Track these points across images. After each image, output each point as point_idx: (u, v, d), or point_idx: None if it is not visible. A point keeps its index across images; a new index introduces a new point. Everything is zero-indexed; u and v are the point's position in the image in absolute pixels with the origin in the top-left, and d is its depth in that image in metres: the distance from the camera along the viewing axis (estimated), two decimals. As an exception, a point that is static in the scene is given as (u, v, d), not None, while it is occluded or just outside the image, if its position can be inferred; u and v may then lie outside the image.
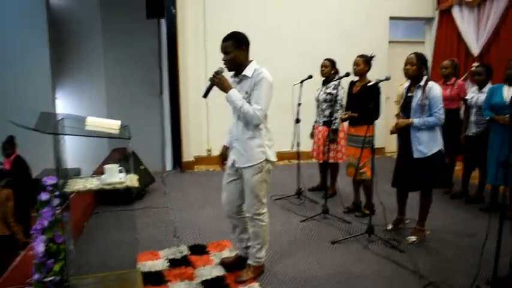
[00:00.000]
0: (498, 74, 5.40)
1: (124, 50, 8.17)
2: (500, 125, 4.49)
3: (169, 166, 6.95)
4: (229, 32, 3.04)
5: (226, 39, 2.96)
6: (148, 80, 8.24)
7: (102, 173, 2.69)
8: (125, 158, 4.89)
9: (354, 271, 3.40)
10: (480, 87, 4.97)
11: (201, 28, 6.88)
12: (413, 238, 3.99)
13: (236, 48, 2.93)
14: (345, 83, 4.77)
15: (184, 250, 3.75)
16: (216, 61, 6.55)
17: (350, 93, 4.65)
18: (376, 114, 4.20)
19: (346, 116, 4.55)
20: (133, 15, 7.74)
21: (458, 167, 5.99)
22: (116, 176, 2.64)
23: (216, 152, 7.18)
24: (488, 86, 4.92)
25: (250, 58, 3.06)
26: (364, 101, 4.24)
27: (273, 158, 3.08)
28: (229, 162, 3.20)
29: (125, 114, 5.55)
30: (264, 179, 3.05)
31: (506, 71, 4.52)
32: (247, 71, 2.97)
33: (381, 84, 4.07)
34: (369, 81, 4.20)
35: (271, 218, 4.42)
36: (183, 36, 6.56)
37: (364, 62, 4.48)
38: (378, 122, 4.18)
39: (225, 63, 2.99)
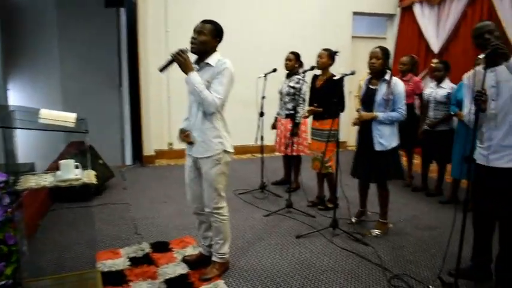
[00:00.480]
0: (457, 71, 5.52)
1: (81, 40, 7.81)
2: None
3: (129, 160, 6.73)
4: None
5: (206, 22, 2.90)
6: (107, 72, 7.94)
7: (58, 169, 2.53)
8: (81, 152, 4.66)
9: (319, 265, 3.38)
10: (438, 83, 5.08)
11: (162, 18, 6.69)
12: (377, 231, 4.03)
13: (211, 35, 2.87)
14: (308, 77, 4.73)
15: (146, 248, 3.62)
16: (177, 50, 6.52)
17: (313, 87, 4.64)
18: (341, 108, 4.20)
19: (309, 111, 4.51)
20: (90, 3, 7.42)
21: (417, 160, 6.13)
22: (71, 172, 2.49)
23: (177, 146, 7.03)
24: (446, 81, 5.04)
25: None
26: (327, 95, 4.23)
27: (231, 149, 3.02)
28: (187, 153, 3.10)
29: (82, 106, 5.27)
30: (222, 171, 2.98)
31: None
32: (211, 60, 2.89)
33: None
34: (333, 75, 4.19)
35: (235, 213, 4.40)
36: (144, 27, 6.35)
37: (328, 56, 4.48)
38: (341, 116, 4.18)
39: (192, 43, 2.87)
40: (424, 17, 7.54)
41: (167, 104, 6.90)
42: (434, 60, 7.01)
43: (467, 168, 2.72)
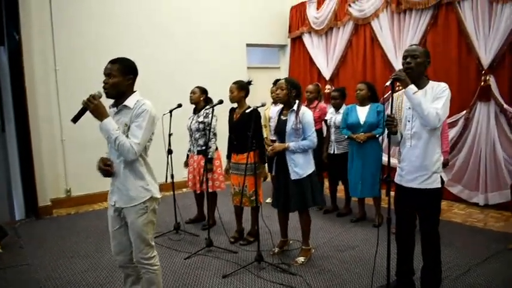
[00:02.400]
0: (347, 96, 5.91)
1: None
2: (357, 143, 4.91)
3: (21, 214, 6.00)
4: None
5: (113, 62, 2.67)
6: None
7: None
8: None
9: (252, 304, 3.28)
10: (337, 109, 5.39)
11: (50, 56, 6.19)
12: (301, 259, 4.04)
13: (121, 74, 2.65)
14: (223, 110, 4.66)
15: (59, 313, 3.21)
16: (68, 90, 6.09)
17: (231, 120, 4.58)
18: (257, 140, 4.19)
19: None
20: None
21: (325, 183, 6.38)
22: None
23: (76, 192, 6.50)
24: (344, 107, 5.37)
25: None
26: (244, 128, 4.22)
27: (158, 195, 2.82)
28: (110, 204, 2.83)
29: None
30: (150, 219, 2.76)
31: (356, 93, 4.96)
32: (129, 102, 2.69)
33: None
34: (248, 107, 4.20)
35: (154, 260, 4.12)
36: (30, 65, 5.79)
37: (238, 89, 4.46)
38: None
39: (104, 87, 2.66)
40: (313, 46, 8.01)
41: (61, 147, 6.35)
42: (328, 87, 7.48)
43: (387, 189, 2.84)
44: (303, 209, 4.03)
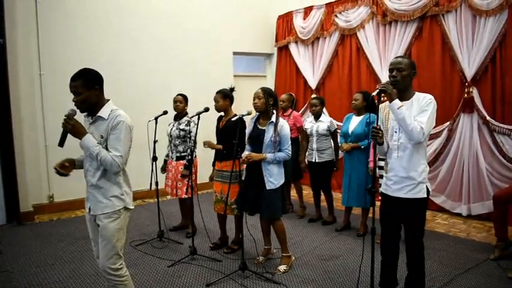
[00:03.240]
0: (334, 104, 5.98)
1: None
2: (347, 152, 4.94)
3: (1, 219, 5.86)
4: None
5: (74, 79, 2.61)
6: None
7: None
8: None
9: (235, 313, 3.25)
10: (316, 118, 5.42)
11: (35, 61, 6.12)
12: (283, 267, 4.04)
13: (87, 88, 2.61)
14: (209, 118, 4.65)
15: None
16: (53, 95, 6.02)
17: (218, 128, 4.58)
18: (241, 149, 4.18)
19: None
20: None
21: (306, 191, 6.39)
22: None
23: (59, 198, 6.41)
24: (324, 115, 5.43)
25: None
26: (229, 136, 4.21)
27: (131, 206, 2.84)
28: (86, 214, 2.85)
29: None
30: (121, 227, 2.75)
31: (352, 103, 4.99)
32: (103, 112, 2.69)
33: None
34: (235, 115, 4.20)
35: (136, 267, 4.10)
36: (15, 70, 5.71)
37: (223, 97, 4.47)
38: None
39: (75, 105, 2.65)
40: (299, 55, 8.05)
41: (44, 152, 6.26)
42: (313, 96, 7.52)
43: (370, 199, 2.87)
44: (275, 217, 4.04)
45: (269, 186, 3.91)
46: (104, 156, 2.58)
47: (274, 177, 3.92)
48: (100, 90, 2.70)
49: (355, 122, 4.93)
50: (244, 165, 4.11)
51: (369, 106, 4.87)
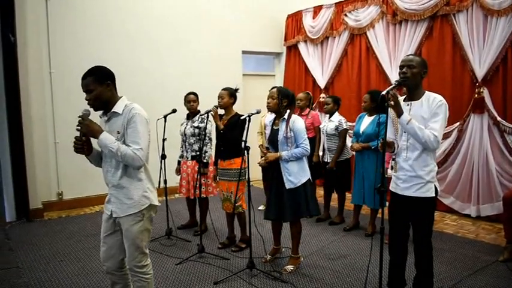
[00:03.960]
0: (342, 105, 5.94)
1: None
2: (359, 152, 4.91)
3: (11, 216, 5.93)
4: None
5: (85, 76, 2.59)
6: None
7: None
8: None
9: (243, 312, 3.26)
10: (329, 116, 5.40)
11: (45, 59, 6.18)
12: (290, 267, 4.03)
13: (99, 84, 2.58)
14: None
15: (47, 318, 3.16)
16: (63, 93, 6.07)
17: (218, 127, 4.58)
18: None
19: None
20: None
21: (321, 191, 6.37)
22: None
23: (68, 195, 6.46)
24: (336, 115, 5.37)
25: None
26: (232, 135, 4.22)
27: (156, 202, 2.78)
28: (105, 214, 2.79)
29: None
30: (145, 227, 2.72)
31: (362, 104, 4.95)
32: (117, 108, 2.65)
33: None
34: (236, 114, 4.19)
35: (145, 265, 4.09)
36: (25, 67, 5.77)
37: (229, 95, 4.48)
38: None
39: (89, 103, 2.62)
40: (308, 55, 8.03)
41: (54, 149, 6.32)
42: (322, 95, 7.51)
43: (379, 199, 2.86)
44: (296, 219, 4.00)
45: (288, 185, 3.84)
46: (124, 151, 2.52)
47: (294, 176, 3.84)
48: (112, 86, 2.67)
49: (366, 122, 4.91)
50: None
51: (379, 106, 4.84)
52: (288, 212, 3.90)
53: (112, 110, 2.65)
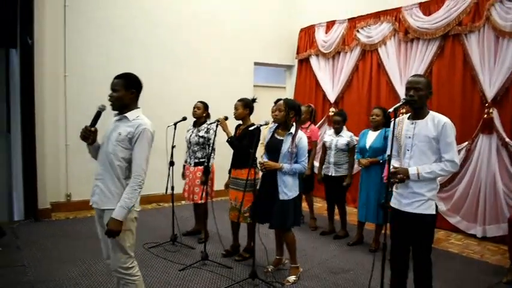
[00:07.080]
0: (352, 119, 6.01)
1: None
2: (364, 167, 4.94)
3: (19, 215, 6.02)
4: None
5: (118, 77, 2.84)
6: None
7: None
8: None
9: (243, 321, 3.28)
10: (337, 132, 5.44)
11: (60, 62, 6.29)
12: (292, 278, 4.06)
13: (125, 88, 2.82)
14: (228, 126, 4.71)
15: (50, 317, 3.21)
16: (76, 97, 6.18)
17: (235, 136, 4.63)
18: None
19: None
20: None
21: (320, 204, 6.38)
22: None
23: (76, 197, 6.52)
24: (344, 130, 5.41)
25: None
26: (244, 145, 4.27)
27: (138, 207, 2.88)
28: (92, 206, 2.90)
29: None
30: (128, 227, 2.79)
31: (372, 118, 4.98)
32: (130, 114, 2.83)
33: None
34: (252, 124, 4.25)
35: (147, 269, 4.15)
36: (41, 70, 5.90)
37: (243, 106, 4.53)
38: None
39: (110, 100, 2.84)
40: (320, 69, 8.09)
41: (64, 152, 6.41)
42: (332, 109, 7.55)
43: (383, 215, 2.88)
44: (284, 228, 4.04)
45: (282, 196, 3.91)
46: (134, 194, 2.69)
47: (288, 188, 3.91)
48: (136, 95, 2.88)
49: (372, 137, 4.94)
50: (260, 174, 4.15)
51: (386, 121, 4.89)
52: (277, 220, 3.96)
53: (124, 114, 2.82)
